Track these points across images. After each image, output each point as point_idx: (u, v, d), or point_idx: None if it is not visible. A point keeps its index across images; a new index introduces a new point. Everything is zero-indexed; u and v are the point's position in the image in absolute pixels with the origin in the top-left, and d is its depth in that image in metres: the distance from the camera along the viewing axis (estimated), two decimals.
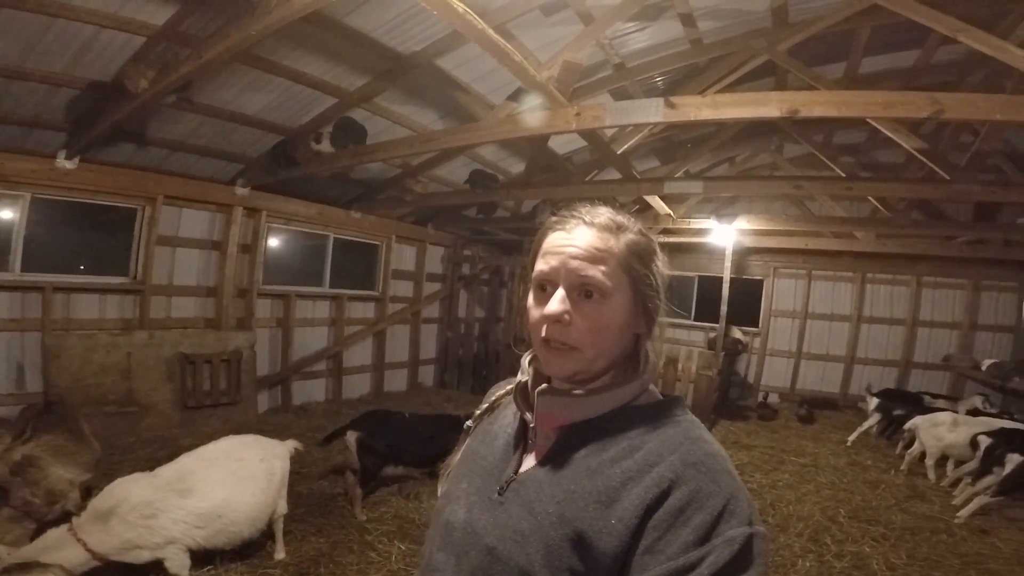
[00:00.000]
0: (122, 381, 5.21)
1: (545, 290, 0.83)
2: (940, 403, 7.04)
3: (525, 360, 0.94)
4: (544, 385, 0.86)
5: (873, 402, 6.97)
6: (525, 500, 0.80)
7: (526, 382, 0.91)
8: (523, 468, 0.86)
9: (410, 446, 4.20)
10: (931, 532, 4.25)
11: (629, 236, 0.84)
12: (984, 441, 4.81)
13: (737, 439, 6.78)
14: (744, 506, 0.70)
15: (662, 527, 0.69)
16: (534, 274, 0.85)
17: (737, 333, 8.91)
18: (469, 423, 1.03)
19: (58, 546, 2.44)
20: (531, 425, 0.88)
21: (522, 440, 0.89)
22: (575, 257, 0.81)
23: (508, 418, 0.95)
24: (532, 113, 4.03)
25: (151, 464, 3.02)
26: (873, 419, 6.87)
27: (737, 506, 0.70)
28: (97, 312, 5.40)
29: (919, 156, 4.35)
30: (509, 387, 0.99)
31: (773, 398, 8.90)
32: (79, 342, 5.00)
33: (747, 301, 9.54)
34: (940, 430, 5.38)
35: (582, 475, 0.78)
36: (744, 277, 9.53)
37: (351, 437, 4.07)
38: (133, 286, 5.59)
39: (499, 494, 0.83)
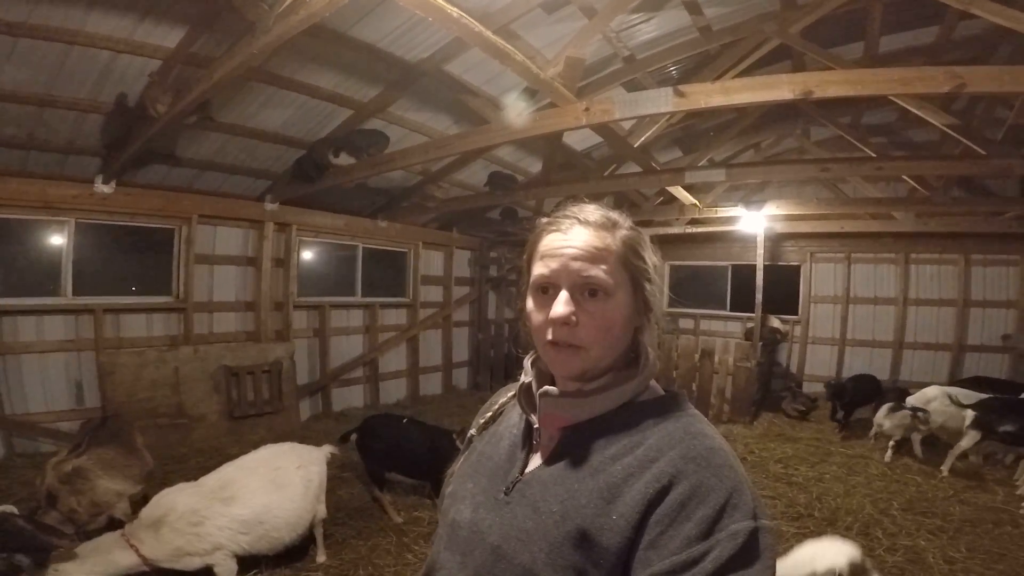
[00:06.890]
0: (172, 395, 5.48)
1: (547, 292, 0.83)
2: None
3: (527, 362, 0.94)
4: (546, 387, 0.86)
5: None
6: (531, 500, 0.80)
7: (529, 383, 0.91)
8: (529, 468, 0.86)
9: (405, 451, 4.20)
10: (993, 524, 4.01)
11: (624, 232, 0.84)
12: None
13: (781, 431, 6.59)
14: (748, 500, 0.70)
15: (664, 522, 0.69)
16: (533, 278, 0.85)
17: (775, 322, 8.63)
18: (472, 431, 1.03)
19: (110, 548, 2.60)
20: (535, 426, 0.89)
21: (528, 441, 0.90)
22: (576, 258, 0.81)
23: (514, 419, 0.95)
24: (541, 111, 4.04)
25: (202, 473, 3.14)
26: None
27: (740, 500, 0.69)
28: (145, 330, 5.70)
29: (951, 132, 4.15)
30: (511, 392, 1.00)
31: (809, 388, 8.56)
32: (130, 359, 5.29)
33: (784, 288, 9.22)
34: None
35: (585, 474, 0.78)
36: (780, 264, 9.24)
37: (354, 439, 4.30)
38: (176, 304, 5.87)
39: (505, 494, 0.84)
